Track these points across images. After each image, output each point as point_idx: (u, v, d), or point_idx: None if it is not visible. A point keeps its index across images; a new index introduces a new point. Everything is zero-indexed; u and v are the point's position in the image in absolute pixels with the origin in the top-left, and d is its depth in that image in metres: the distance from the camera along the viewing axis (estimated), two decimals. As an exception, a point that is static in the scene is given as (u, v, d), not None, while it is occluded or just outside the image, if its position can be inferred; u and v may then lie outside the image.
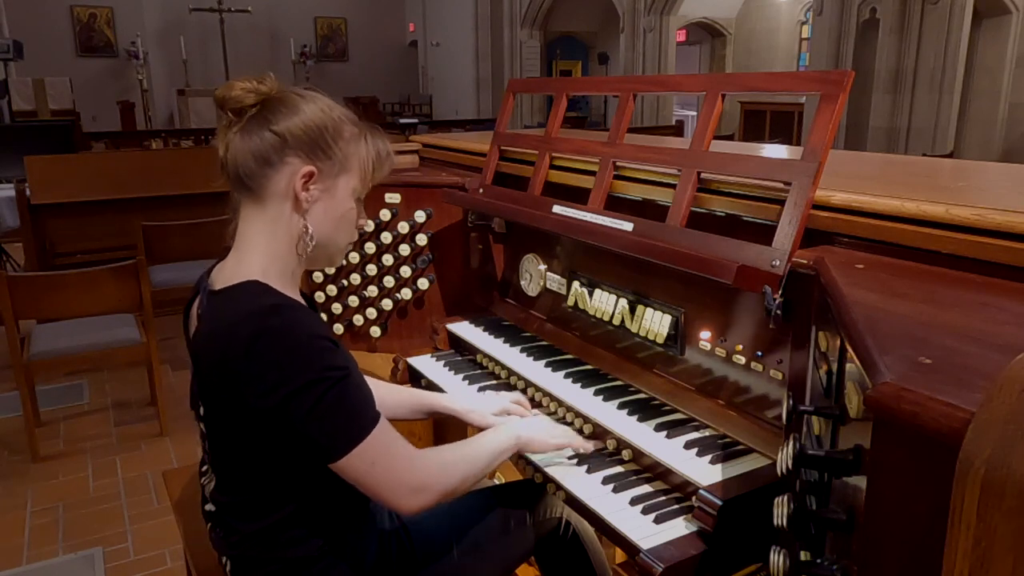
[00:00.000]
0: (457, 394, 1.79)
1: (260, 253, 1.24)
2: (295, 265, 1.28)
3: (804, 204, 1.31)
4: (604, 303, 1.80)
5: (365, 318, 2.23)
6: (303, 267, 1.31)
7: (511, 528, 1.50)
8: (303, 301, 1.34)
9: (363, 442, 1.16)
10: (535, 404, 1.74)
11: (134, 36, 15.22)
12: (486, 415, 1.61)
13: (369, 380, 1.66)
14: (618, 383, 1.71)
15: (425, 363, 2.04)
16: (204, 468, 1.36)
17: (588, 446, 1.51)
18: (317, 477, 1.23)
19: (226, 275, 1.24)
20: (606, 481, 1.43)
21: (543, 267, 2.04)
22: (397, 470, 1.20)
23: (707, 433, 1.48)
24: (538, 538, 1.55)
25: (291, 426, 1.14)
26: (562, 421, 1.66)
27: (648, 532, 1.26)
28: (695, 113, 12.46)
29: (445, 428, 2.34)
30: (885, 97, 8.45)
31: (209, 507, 1.34)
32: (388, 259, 2.18)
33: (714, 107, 1.54)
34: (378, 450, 1.18)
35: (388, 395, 1.64)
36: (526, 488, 1.56)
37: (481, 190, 2.08)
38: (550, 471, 1.48)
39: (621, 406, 1.60)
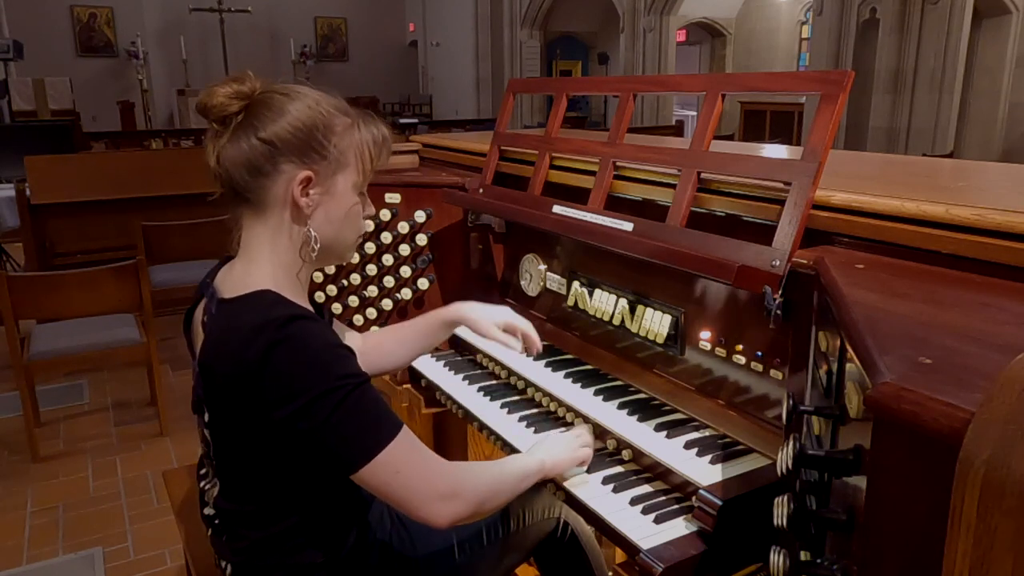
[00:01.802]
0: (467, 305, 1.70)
1: (267, 262, 1.22)
2: (303, 270, 1.26)
3: (804, 204, 1.31)
4: (604, 303, 1.80)
5: (365, 318, 2.23)
6: (312, 270, 1.29)
7: (510, 530, 1.50)
8: (312, 309, 1.33)
9: (385, 450, 1.12)
10: (534, 404, 1.74)
11: (134, 36, 15.23)
12: (491, 327, 1.61)
13: (376, 333, 1.68)
14: (618, 383, 1.71)
15: (425, 363, 2.03)
16: (204, 471, 1.35)
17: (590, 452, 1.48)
18: (323, 486, 1.22)
19: (235, 282, 1.21)
20: (606, 481, 1.42)
21: (543, 267, 2.04)
22: (424, 477, 1.15)
23: (707, 433, 1.48)
24: (537, 539, 1.55)
25: (309, 437, 1.11)
26: (562, 421, 1.66)
27: (648, 532, 1.26)
28: (695, 113, 12.45)
29: (445, 428, 2.33)
30: (885, 97, 8.46)
31: (209, 511, 1.32)
32: (388, 259, 2.18)
33: (714, 107, 1.54)
34: (401, 457, 1.13)
35: (402, 330, 1.67)
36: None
37: (481, 190, 2.08)
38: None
39: (621, 406, 1.60)
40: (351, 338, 1.59)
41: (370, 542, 1.37)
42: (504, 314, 1.64)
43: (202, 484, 1.35)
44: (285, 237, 1.22)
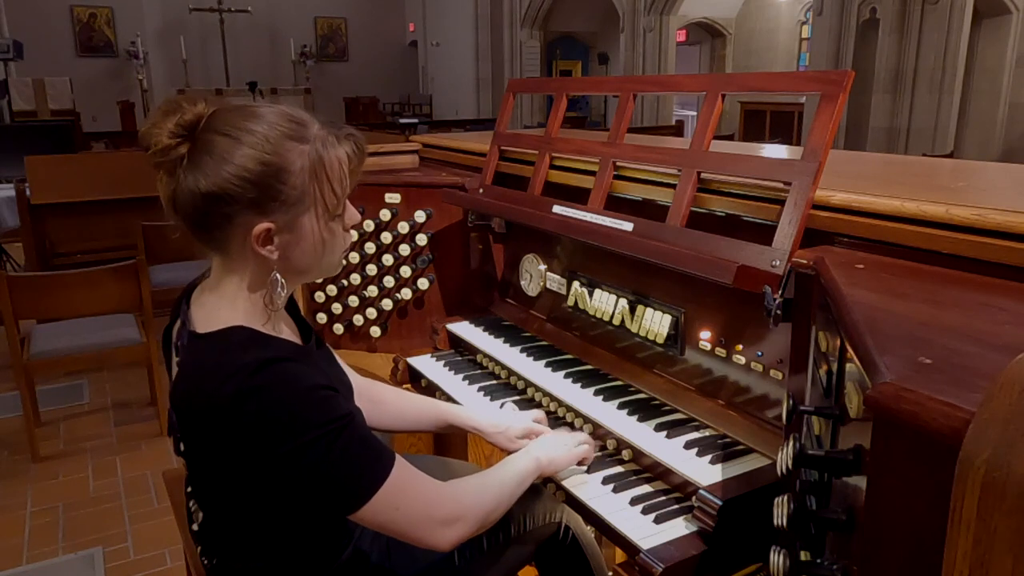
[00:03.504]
0: (478, 408, 1.71)
1: (237, 298, 1.15)
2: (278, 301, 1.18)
3: (804, 204, 1.31)
4: (604, 303, 1.80)
5: (365, 318, 2.23)
6: (291, 291, 1.22)
7: (511, 535, 1.49)
8: (295, 334, 1.27)
9: (381, 488, 1.08)
10: (535, 404, 1.74)
11: (134, 36, 15.22)
12: (512, 438, 1.53)
13: (387, 390, 1.63)
14: (618, 383, 1.71)
15: (425, 363, 2.04)
16: (189, 489, 1.31)
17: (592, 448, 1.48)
18: (310, 521, 1.20)
19: (207, 314, 1.14)
20: (606, 481, 1.43)
21: (543, 267, 2.04)
22: (423, 507, 1.12)
23: (707, 433, 1.48)
24: (538, 543, 1.54)
25: (300, 483, 1.06)
26: (562, 421, 1.66)
27: (648, 532, 1.26)
28: (695, 113, 12.45)
29: (445, 435, 2.33)
30: (885, 97, 8.45)
31: (195, 527, 1.30)
32: (388, 259, 2.18)
33: (714, 107, 1.54)
34: (399, 492, 1.10)
35: (409, 405, 1.60)
36: (525, 491, 1.55)
37: (481, 190, 2.08)
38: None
39: (621, 406, 1.60)
40: (349, 376, 1.48)
41: (366, 553, 1.34)
42: (520, 422, 1.57)
43: (189, 503, 1.32)
44: (255, 275, 1.15)
